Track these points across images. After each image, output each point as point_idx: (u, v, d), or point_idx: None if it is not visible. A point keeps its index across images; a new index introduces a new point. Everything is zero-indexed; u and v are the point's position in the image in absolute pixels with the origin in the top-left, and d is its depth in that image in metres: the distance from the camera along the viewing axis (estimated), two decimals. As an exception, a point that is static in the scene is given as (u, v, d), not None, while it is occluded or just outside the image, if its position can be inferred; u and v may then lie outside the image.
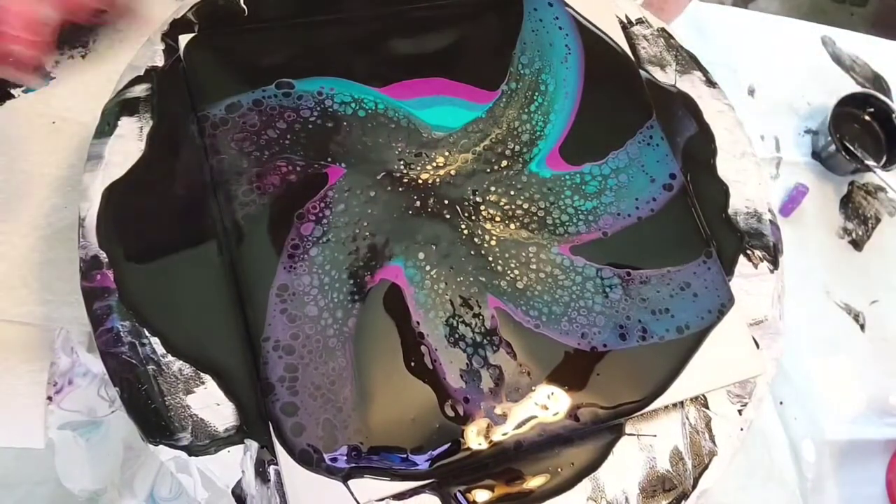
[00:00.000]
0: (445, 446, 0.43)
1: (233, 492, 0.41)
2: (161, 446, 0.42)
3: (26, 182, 0.58)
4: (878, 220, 0.77)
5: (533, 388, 0.45)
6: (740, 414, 0.49)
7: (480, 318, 0.46)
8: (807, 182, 0.77)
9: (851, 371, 0.71)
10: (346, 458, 0.42)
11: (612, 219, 0.51)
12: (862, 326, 0.73)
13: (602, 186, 0.52)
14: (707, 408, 0.49)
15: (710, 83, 0.60)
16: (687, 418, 0.49)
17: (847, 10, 1.27)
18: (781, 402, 0.68)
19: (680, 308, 0.49)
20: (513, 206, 0.50)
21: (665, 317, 0.49)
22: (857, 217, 0.77)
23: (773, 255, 0.54)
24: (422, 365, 0.44)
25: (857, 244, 0.76)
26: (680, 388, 0.47)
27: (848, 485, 0.66)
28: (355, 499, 0.41)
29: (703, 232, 0.52)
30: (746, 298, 0.52)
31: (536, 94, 0.53)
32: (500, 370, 0.45)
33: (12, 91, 0.60)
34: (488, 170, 0.50)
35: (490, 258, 0.48)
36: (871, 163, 0.75)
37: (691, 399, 0.49)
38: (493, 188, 0.50)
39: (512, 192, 0.50)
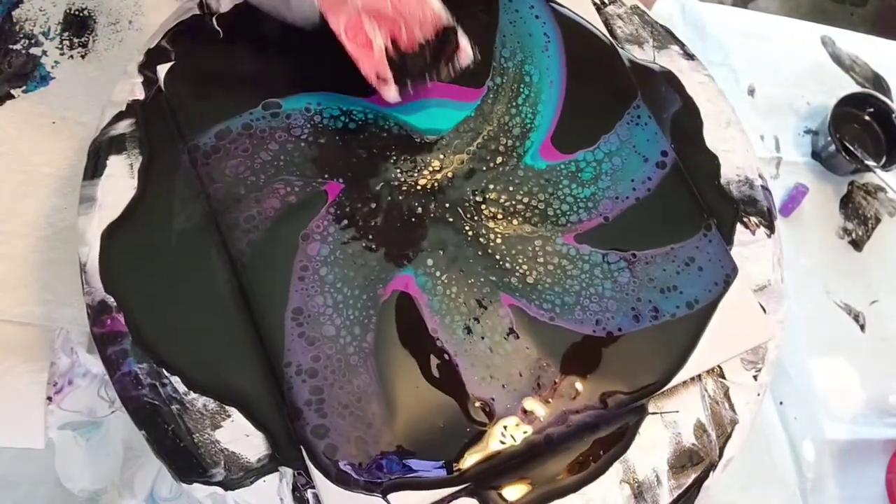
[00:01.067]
0: (476, 448, 0.44)
1: (273, 520, 0.41)
2: (196, 484, 0.42)
3: (26, 182, 0.58)
4: (878, 220, 0.77)
5: (555, 380, 0.46)
6: (755, 380, 0.51)
7: (497, 317, 0.46)
8: (807, 182, 0.77)
9: (851, 371, 0.71)
10: (381, 472, 0.42)
11: (611, 203, 0.51)
12: (862, 326, 0.73)
13: (597, 172, 0.52)
14: (724, 378, 0.50)
15: (688, 56, 0.60)
16: (706, 390, 0.50)
17: (847, 10, 1.27)
18: (781, 402, 0.68)
19: (687, 283, 0.50)
20: (513, 202, 0.50)
21: (674, 294, 0.50)
22: (857, 217, 0.77)
23: (769, 220, 0.55)
24: (443, 371, 0.45)
25: (857, 244, 0.76)
26: (696, 362, 0.48)
27: (848, 485, 0.67)
28: (396, 512, 0.42)
29: (701, 206, 0.53)
30: (748, 265, 0.53)
31: (522, 86, 0.53)
32: (522, 368, 0.46)
33: (12, 91, 0.60)
34: (484, 168, 0.50)
35: (497, 256, 0.48)
36: (871, 163, 0.74)
37: (708, 371, 0.50)
38: (491, 186, 0.50)
39: (511, 188, 0.50)
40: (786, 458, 0.66)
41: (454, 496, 0.43)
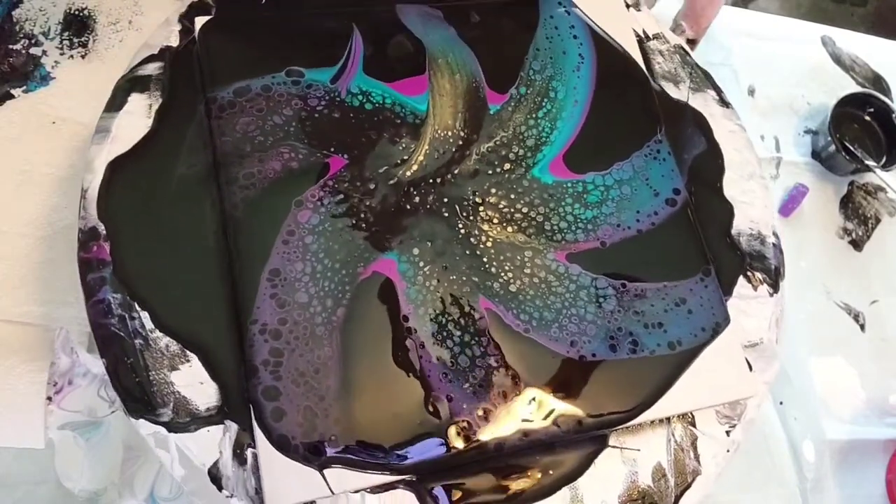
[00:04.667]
0: (425, 443, 0.43)
1: (209, 471, 0.41)
2: (142, 420, 0.42)
3: (26, 182, 0.58)
4: (878, 220, 0.77)
5: (518, 391, 0.45)
6: (728, 435, 0.49)
7: (470, 317, 0.46)
8: (807, 182, 0.77)
9: (851, 371, 0.71)
10: (324, 447, 0.41)
11: (611, 229, 0.50)
12: (862, 326, 0.73)
13: (604, 197, 0.51)
14: (694, 426, 0.49)
15: (724, 103, 0.59)
16: (673, 435, 0.48)
17: (847, 10, 1.28)
18: (781, 402, 0.68)
19: (673, 323, 0.49)
20: (512, 210, 0.49)
21: (657, 331, 0.48)
22: (857, 217, 0.77)
23: (774, 279, 0.54)
24: (407, 360, 0.44)
25: (857, 244, 0.76)
26: (667, 404, 0.47)
27: (848, 485, 0.67)
28: (330, 488, 0.41)
29: (704, 250, 0.52)
30: (744, 319, 0.52)
31: (545, 100, 0.53)
32: (487, 371, 0.45)
33: (12, 91, 0.59)
34: (490, 171, 0.50)
35: (485, 259, 0.48)
36: (871, 163, 0.75)
37: (679, 416, 0.48)
38: (493, 190, 0.50)
39: (512, 196, 0.50)
40: (786, 458, 0.66)
41: (392, 485, 0.43)
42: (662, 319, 0.49)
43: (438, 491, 0.43)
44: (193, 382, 0.43)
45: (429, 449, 0.43)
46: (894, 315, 0.74)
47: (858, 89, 0.81)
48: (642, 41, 0.59)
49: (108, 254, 0.44)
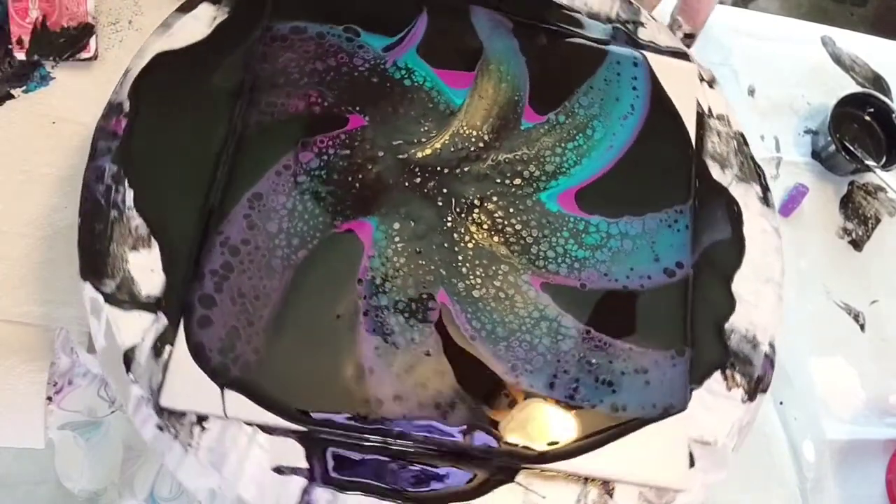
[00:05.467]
0: (329, 406, 0.43)
1: (125, 353, 0.42)
2: (87, 284, 0.44)
3: (26, 182, 0.59)
4: (878, 220, 0.77)
5: (441, 391, 0.44)
6: (642, 521, 0.46)
7: (423, 305, 0.46)
8: (807, 182, 0.76)
9: (851, 371, 0.71)
10: (233, 368, 0.42)
11: (597, 275, 0.49)
12: (862, 326, 0.72)
13: (602, 243, 0.50)
14: (611, 496, 0.46)
15: (766, 202, 0.57)
16: (585, 497, 0.45)
17: (847, 10, 1.25)
18: (781, 402, 0.67)
19: (625, 388, 0.47)
20: (505, 222, 0.49)
21: (605, 389, 0.46)
22: (857, 217, 0.76)
23: (752, 387, 0.50)
24: (346, 322, 0.44)
25: (857, 244, 0.75)
26: (588, 463, 0.45)
27: (848, 485, 0.66)
28: (224, 410, 0.41)
29: (686, 330, 0.49)
30: (704, 414, 0.49)
31: (581, 135, 0.53)
32: (417, 361, 0.44)
33: (12, 91, 0.61)
34: (499, 180, 0.50)
35: (460, 257, 0.47)
36: (871, 163, 0.74)
37: (598, 481, 0.46)
38: (495, 198, 0.50)
39: (511, 210, 0.49)
40: (786, 458, 0.66)
41: (285, 432, 0.42)
42: (615, 380, 0.47)
43: (329, 454, 0.43)
44: (146, 267, 0.44)
45: (328, 413, 0.42)
46: (894, 315, 0.74)
47: (858, 89, 0.80)
48: (703, 116, 0.57)
49: (122, 129, 0.47)
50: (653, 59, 0.57)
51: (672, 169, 0.54)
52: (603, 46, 0.56)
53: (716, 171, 0.57)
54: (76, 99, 0.61)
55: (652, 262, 0.50)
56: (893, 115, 0.76)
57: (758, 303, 0.53)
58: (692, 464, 0.47)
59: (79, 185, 0.45)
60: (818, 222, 0.75)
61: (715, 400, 0.50)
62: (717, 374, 0.50)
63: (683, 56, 0.59)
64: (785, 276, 0.55)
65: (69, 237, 0.45)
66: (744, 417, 0.50)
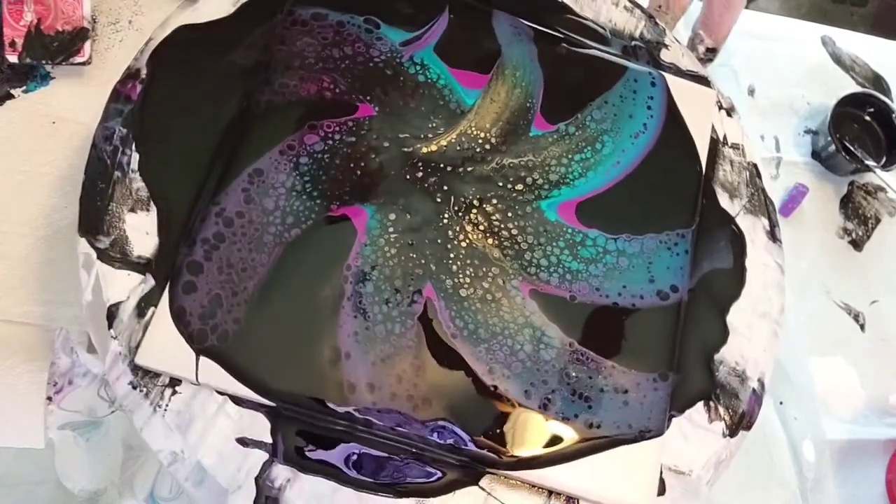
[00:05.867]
0: (302, 387, 0.43)
1: (109, 308, 0.43)
2: (83, 239, 0.44)
3: (26, 182, 0.58)
4: (878, 220, 0.77)
5: (414, 385, 0.44)
6: (604, 541, 0.45)
7: (408, 297, 0.46)
8: (807, 182, 0.76)
9: (851, 371, 0.71)
10: (210, 336, 0.42)
11: (588, 289, 0.49)
12: (862, 326, 0.73)
13: (597, 257, 0.50)
14: (574, 513, 0.45)
15: (773, 237, 0.56)
16: (547, 510, 0.45)
17: (847, 10, 1.24)
18: (781, 402, 0.68)
19: (602, 406, 0.46)
20: (501, 225, 0.49)
21: (581, 404, 0.46)
22: (857, 217, 0.76)
23: (735, 422, 0.49)
24: (329, 304, 0.45)
25: (857, 244, 0.76)
26: (555, 475, 0.44)
27: (848, 485, 0.67)
28: (197, 376, 0.42)
29: (674, 355, 0.49)
30: (680, 442, 0.48)
31: (589, 147, 0.53)
32: (395, 352, 0.44)
33: (12, 91, 0.60)
34: (501, 184, 0.50)
35: (452, 255, 0.47)
36: (871, 163, 0.74)
37: (563, 497, 0.45)
38: (494, 201, 0.49)
39: (509, 214, 0.49)
40: (786, 458, 0.66)
41: (255, 405, 0.43)
42: (593, 396, 0.46)
43: (295, 433, 0.43)
44: (141, 229, 0.45)
45: (300, 394, 0.43)
46: (894, 315, 0.74)
47: (858, 89, 0.80)
48: (717, 143, 0.57)
49: (136, 94, 0.48)
50: (672, 80, 0.57)
51: (678, 192, 0.54)
52: (622, 62, 0.56)
53: (724, 200, 0.56)
54: (76, 99, 0.61)
55: (646, 282, 0.50)
56: (893, 115, 0.76)
57: (751, 336, 0.52)
58: (662, 491, 0.46)
59: (79, 185, 0.46)
60: (818, 222, 0.76)
61: (694, 430, 0.49)
62: (700, 405, 0.49)
63: (704, 81, 0.59)
64: (783, 314, 0.54)
65: (69, 237, 0.45)
66: (722, 452, 0.49)
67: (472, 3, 0.55)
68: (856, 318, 0.72)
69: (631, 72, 0.56)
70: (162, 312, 0.42)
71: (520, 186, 0.50)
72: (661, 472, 0.47)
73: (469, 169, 0.50)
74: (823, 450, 0.67)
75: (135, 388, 0.42)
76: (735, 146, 0.58)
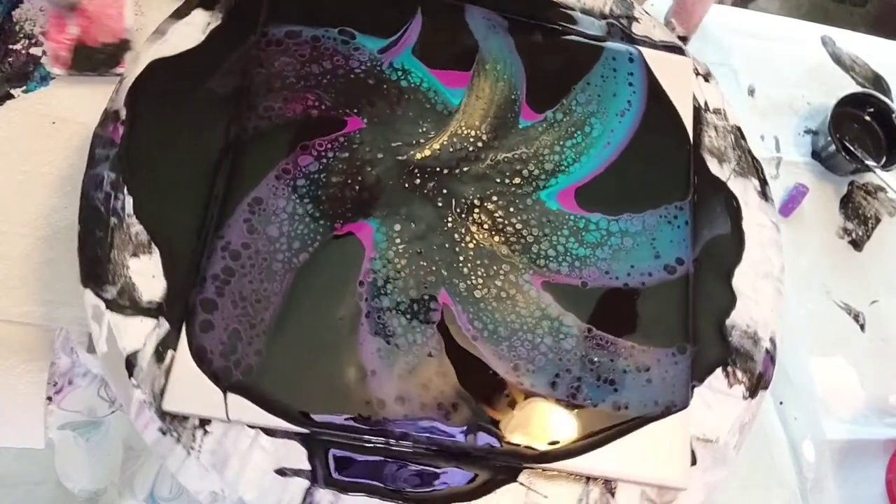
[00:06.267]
0: (332, 409, 0.43)
1: (127, 357, 0.43)
2: (88, 290, 0.44)
3: (26, 182, 0.59)
4: (878, 220, 0.77)
5: (442, 392, 0.44)
6: (645, 518, 0.46)
7: (425, 306, 0.46)
8: (807, 182, 0.76)
9: (851, 371, 0.71)
10: (235, 372, 0.42)
11: (598, 273, 0.49)
12: (862, 326, 0.73)
13: (602, 241, 0.50)
14: (613, 496, 0.46)
15: (765, 196, 0.57)
16: (587, 496, 0.45)
17: (847, 10, 1.25)
18: (781, 402, 0.67)
19: (627, 386, 0.47)
20: (505, 222, 0.49)
21: (607, 387, 0.46)
22: (857, 217, 0.76)
23: (754, 384, 0.50)
24: (348, 323, 0.44)
25: (857, 244, 0.76)
26: (590, 462, 0.45)
27: (848, 485, 0.66)
28: (227, 413, 0.42)
29: (688, 327, 0.49)
30: (706, 412, 0.49)
31: (579, 132, 0.53)
32: (419, 362, 0.44)
33: (12, 91, 0.61)
34: (499, 180, 0.50)
35: (461, 258, 0.47)
36: (871, 163, 0.74)
37: (600, 480, 0.46)
38: (495, 198, 0.50)
39: (511, 209, 0.50)
40: (786, 458, 0.66)
41: (288, 434, 0.43)
42: (617, 378, 0.47)
43: (332, 456, 0.43)
44: (147, 273, 0.44)
45: (332, 416, 0.43)
46: (894, 315, 0.74)
47: (858, 89, 0.80)
48: (700, 111, 0.57)
49: (119, 136, 0.47)
50: (648, 54, 0.57)
51: (670, 164, 0.54)
52: (598, 43, 0.56)
53: (714, 166, 0.57)
54: (76, 100, 0.61)
55: (652, 258, 0.50)
56: (893, 115, 0.76)
57: (758, 298, 0.53)
58: (694, 462, 0.47)
59: (79, 184, 0.45)
60: (818, 222, 0.75)
61: (716, 397, 0.50)
62: (719, 371, 0.50)
63: (678, 50, 0.59)
64: (784, 271, 0.55)
65: (69, 237, 0.45)
66: (745, 415, 0.50)
67: (442, 1, 0.54)
68: (856, 318, 0.72)
69: (608, 51, 0.56)
70: (182, 355, 0.42)
71: (517, 180, 0.51)
72: (691, 444, 0.48)
73: (465, 169, 0.50)
74: (823, 450, 0.66)
75: (165, 433, 0.42)
76: (717, 111, 0.58)
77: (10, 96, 0.60)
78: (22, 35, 0.62)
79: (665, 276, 0.50)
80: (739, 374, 0.51)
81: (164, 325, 0.43)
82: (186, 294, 0.44)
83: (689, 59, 0.58)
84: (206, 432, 0.42)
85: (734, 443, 0.49)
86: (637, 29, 0.59)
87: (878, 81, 0.83)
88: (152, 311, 0.44)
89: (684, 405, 0.47)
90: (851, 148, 0.75)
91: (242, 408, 0.42)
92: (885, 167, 0.74)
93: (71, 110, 0.61)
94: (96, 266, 0.44)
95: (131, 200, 0.46)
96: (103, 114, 0.48)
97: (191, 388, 0.42)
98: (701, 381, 0.50)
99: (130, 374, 0.42)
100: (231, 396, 0.42)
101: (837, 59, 0.83)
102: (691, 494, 0.47)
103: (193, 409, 0.41)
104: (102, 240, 0.45)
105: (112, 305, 0.43)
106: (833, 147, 0.75)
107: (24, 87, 0.61)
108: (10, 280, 0.56)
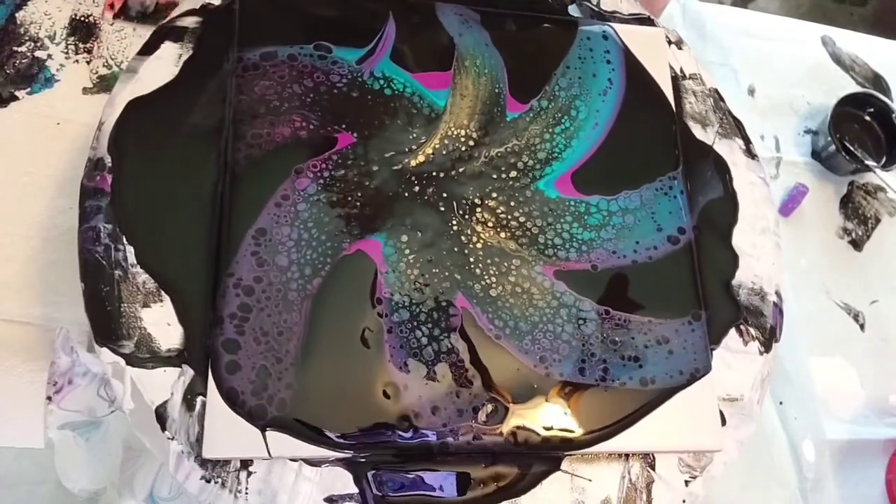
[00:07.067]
0: (370, 427, 0.43)
1: (157, 410, 0.42)
2: (105, 349, 0.43)
3: (30, 184, 0.58)
4: (878, 220, 0.77)
5: (475, 395, 0.44)
6: (686, 485, 0.47)
7: (445, 313, 0.46)
8: (807, 182, 0.77)
9: (851, 371, 0.71)
10: (271, 406, 0.42)
11: (606, 254, 0.50)
12: (862, 326, 0.73)
13: (605, 221, 0.51)
14: (653, 469, 0.47)
15: (750, 154, 0.58)
16: (629, 472, 0.47)
17: (847, 10, 1.28)
18: (781, 402, 0.67)
19: (651, 360, 0.48)
20: (508, 217, 0.49)
21: (632, 365, 0.47)
22: (857, 217, 0.77)
23: (767, 338, 0.52)
24: (372, 342, 0.44)
25: (857, 244, 0.76)
26: (628, 440, 0.46)
27: (848, 485, 0.66)
28: (268, 450, 0.41)
29: (698, 293, 0.50)
30: (727, 372, 0.50)
31: (565, 117, 0.53)
32: (447, 369, 0.45)
33: (17, 93, 0.60)
34: (495, 176, 0.50)
35: (471, 259, 0.48)
36: (871, 163, 0.74)
37: (639, 455, 0.47)
38: (494, 194, 0.50)
39: (512, 203, 0.50)
40: (786, 458, 0.66)
41: (331, 461, 0.43)
42: (640, 354, 0.48)
43: (377, 475, 0.43)
44: (161, 322, 0.44)
45: (372, 436, 0.43)
46: (894, 315, 0.74)
47: (858, 89, 0.81)
48: (677, 78, 0.58)
49: (108, 185, 0.46)
50: (620, 29, 0.57)
51: (658, 136, 0.55)
52: (571, 21, 0.56)
53: (698, 131, 0.57)
54: (80, 101, 0.61)
55: (655, 232, 0.51)
56: (893, 115, 0.77)
57: (758, 255, 0.55)
58: (724, 422, 0.49)
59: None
60: (818, 222, 0.76)
61: (734, 357, 0.51)
62: (733, 332, 0.52)
63: (648, 21, 0.60)
64: (779, 224, 0.56)
65: (73, 239, 0.45)
66: (763, 369, 0.51)
67: (411, 2, 0.54)
68: (855, 317, 0.73)
69: (582, 31, 0.56)
70: (213, 399, 0.41)
71: (513, 173, 0.51)
72: (718, 405, 0.49)
73: (461, 170, 0.50)
74: (823, 450, 0.66)
75: (209, 481, 0.41)
76: (693, 76, 0.59)
77: (15, 98, 0.60)
78: (27, 38, 0.61)
79: (670, 247, 0.51)
80: (752, 330, 0.52)
81: (189, 372, 0.43)
82: (205, 336, 0.43)
83: (661, 29, 0.59)
84: (249, 473, 0.42)
85: (757, 398, 0.51)
86: (606, 4, 0.60)
87: (878, 81, 0.84)
88: (174, 359, 0.43)
89: (707, 370, 0.49)
90: (851, 148, 0.75)
91: (282, 442, 0.41)
92: (884, 167, 0.74)
93: (75, 112, 0.61)
94: (108, 322, 0.43)
95: (132, 250, 0.45)
96: (87, 163, 0.46)
97: (227, 431, 0.41)
98: (718, 343, 0.51)
99: (164, 427, 0.42)
100: (270, 433, 0.41)
101: (837, 59, 0.83)
102: (725, 455, 0.48)
103: (234, 453, 0.41)
104: (110, 294, 0.43)
105: (132, 360, 0.43)
106: (833, 147, 0.75)
107: (28, 89, 0.61)
108: (15, 281, 0.56)
